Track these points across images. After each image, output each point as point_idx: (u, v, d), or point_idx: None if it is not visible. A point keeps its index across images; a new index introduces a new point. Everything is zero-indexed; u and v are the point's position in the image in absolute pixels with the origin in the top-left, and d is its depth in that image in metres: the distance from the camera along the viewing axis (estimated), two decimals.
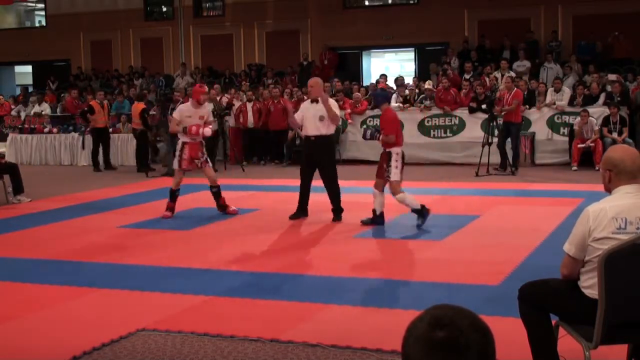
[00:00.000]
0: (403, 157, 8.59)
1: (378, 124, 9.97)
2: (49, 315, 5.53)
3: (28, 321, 5.40)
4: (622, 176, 3.57)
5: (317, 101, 8.99)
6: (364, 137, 9.14)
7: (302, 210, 9.23)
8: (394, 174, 8.38)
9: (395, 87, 16.71)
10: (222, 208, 9.61)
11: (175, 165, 9.54)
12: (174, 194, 9.51)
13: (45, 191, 12.39)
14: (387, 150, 8.46)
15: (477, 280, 6.18)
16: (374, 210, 8.69)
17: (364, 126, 8.95)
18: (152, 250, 7.78)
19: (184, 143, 9.44)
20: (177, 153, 9.50)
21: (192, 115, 9.36)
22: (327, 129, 9.01)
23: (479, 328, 1.56)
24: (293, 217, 9.18)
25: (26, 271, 6.93)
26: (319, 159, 9.05)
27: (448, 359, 1.52)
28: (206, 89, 10.01)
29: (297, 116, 9.18)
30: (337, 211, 9.12)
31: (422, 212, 8.51)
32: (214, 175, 9.72)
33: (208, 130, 9.58)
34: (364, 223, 8.68)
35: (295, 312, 5.47)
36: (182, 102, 14.71)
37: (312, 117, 8.96)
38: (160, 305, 5.70)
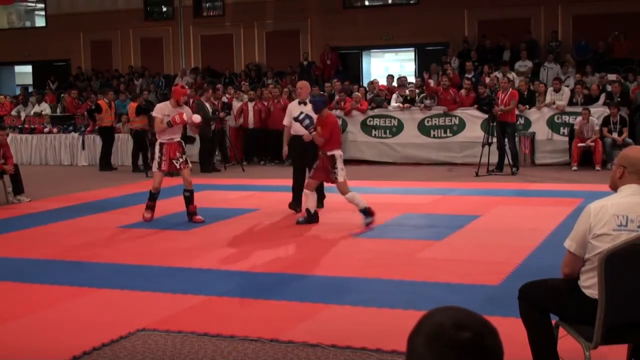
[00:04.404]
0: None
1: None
2: (49, 315, 5.53)
3: (28, 321, 5.40)
4: (632, 175, 3.59)
5: (305, 103, 9.44)
6: (298, 119, 8.88)
7: (296, 200, 9.60)
8: (341, 175, 8.66)
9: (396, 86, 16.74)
10: (190, 215, 9.27)
11: (155, 167, 9.23)
12: (153, 195, 9.26)
13: (45, 191, 12.39)
14: (330, 154, 8.68)
15: (477, 280, 6.18)
16: (307, 210, 8.92)
17: (302, 114, 8.94)
18: (152, 250, 7.79)
19: (161, 144, 9.14)
20: (157, 155, 9.17)
21: (170, 114, 9.06)
22: None
23: (492, 329, 1.57)
24: (292, 206, 9.65)
25: (26, 271, 6.93)
26: (310, 155, 9.26)
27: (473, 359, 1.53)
28: (187, 90, 9.74)
29: (286, 120, 9.70)
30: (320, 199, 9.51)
31: (368, 212, 8.72)
32: (191, 179, 9.33)
33: (197, 117, 9.37)
34: (300, 223, 8.89)
35: (295, 312, 5.47)
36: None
37: None
38: (160, 305, 5.70)
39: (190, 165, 9.47)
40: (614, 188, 3.67)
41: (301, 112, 9.00)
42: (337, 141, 8.82)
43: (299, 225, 8.82)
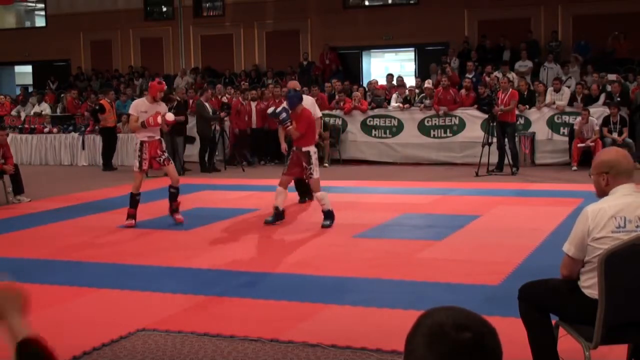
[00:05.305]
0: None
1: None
2: (49, 315, 5.52)
3: (28, 321, 5.38)
4: (620, 176, 3.59)
5: None
6: (274, 113, 8.84)
7: (303, 194, 10.15)
8: (316, 172, 8.68)
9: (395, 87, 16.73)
10: (172, 212, 9.20)
11: (136, 166, 9.00)
12: (134, 199, 9.06)
13: (45, 191, 12.39)
14: (305, 150, 8.68)
15: (477, 280, 6.18)
16: (276, 207, 8.93)
17: (279, 108, 8.95)
18: (152, 250, 7.79)
19: (142, 142, 8.95)
20: (137, 154, 8.97)
21: (147, 111, 8.84)
22: None
23: (492, 329, 1.57)
24: (301, 201, 10.40)
25: (26, 271, 6.92)
26: None
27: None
28: (164, 86, 9.44)
29: None
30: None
31: (330, 215, 8.70)
32: (177, 176, 9.28)
33: (170, 115, 9.12)
34: (268, 223, 8.87)
35: (295, 312, 5.47)
36: (178, 102, 14.78)
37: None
38: (160, 305, 5.70)
39: (172, 161, 9.38)
40: (603, 196, 3.66)
41: (278, 107, 9.06)
42: (312, 137, 8.81)
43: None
